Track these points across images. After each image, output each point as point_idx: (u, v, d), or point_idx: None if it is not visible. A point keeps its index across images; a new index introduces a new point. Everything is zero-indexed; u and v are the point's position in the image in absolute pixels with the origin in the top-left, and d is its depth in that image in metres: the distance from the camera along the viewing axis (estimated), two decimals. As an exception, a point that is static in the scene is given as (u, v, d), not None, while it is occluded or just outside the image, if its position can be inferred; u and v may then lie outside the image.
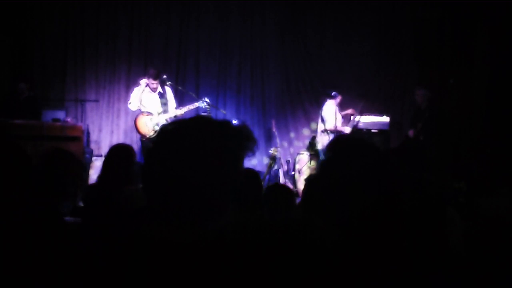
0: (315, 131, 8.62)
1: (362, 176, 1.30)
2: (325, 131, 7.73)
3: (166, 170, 1.17)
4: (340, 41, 9.11)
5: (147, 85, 7.10)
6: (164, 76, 7.44)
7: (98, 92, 8.53)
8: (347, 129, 7.87)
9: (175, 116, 7.08)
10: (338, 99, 7.87)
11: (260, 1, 9.00)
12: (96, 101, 8.40)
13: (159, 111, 7.11)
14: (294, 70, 9.18)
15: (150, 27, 8.69)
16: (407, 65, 9.09)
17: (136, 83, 7.31)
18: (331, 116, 7.71)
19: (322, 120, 7.83)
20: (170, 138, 1.20)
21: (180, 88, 8.15)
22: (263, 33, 9.03)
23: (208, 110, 7.42)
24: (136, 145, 6.95)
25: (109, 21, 8.57)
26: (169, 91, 7.31)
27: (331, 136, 7.70)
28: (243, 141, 1.21)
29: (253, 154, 1.22)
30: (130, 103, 7.15)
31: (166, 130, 1.24)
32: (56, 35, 8.37)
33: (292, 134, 9.17)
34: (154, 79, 7.04)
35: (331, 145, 1.40)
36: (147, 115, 7.06)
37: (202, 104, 7.30)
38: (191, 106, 7.27)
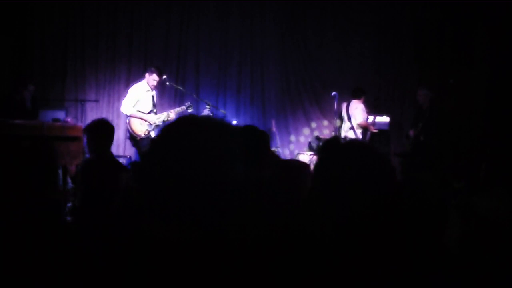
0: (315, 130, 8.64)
1: (361, 177, 1.30)
2: (352, 128, 7.74)
3: (166, 168, 1.16)
4: (340, 41, 9.11)
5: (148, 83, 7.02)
6: (164, 76, 7.43)
7: (98, 92, 8.53)
8: (372, 127, 7.89)
9: (167, 119, 6.99)
10: (363, 98, 7.87)
11: (260, 1, 9.00)
12: (96, 101, 8.40)
13: (151, 110, 7.02)
14: (294, 70, 9.18)
15: (150, 27, 8.69)
16: (407, 65, 9.09)
17: (137, 83, 7.22)
18: (360, 112, 7.72)
19: (349, 118, 7.82)
20: (172, 137, 1.20)
21: (180, 88, 8.14)
22: (263, 33, 9.03)
23: (208, 109, 7.42)
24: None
25: (109, 21, 8.57)
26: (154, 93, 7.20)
27: (359, 132, 7.74)
28: (244, 144, 1.22)
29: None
30: (125, 107, 6.95)
31: (169, 129, 1.23)
32: (56, 35, 8.37)
33: (292, 135, 9.17)
34: (159, 75, 6.99)
35: (324, 146, 1.40)
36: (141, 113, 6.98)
37: (188, 108, 7.26)
38: (174, 111, 7.19)
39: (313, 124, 9.14)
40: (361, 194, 1.28)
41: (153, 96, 7.08)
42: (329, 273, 1.23)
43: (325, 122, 9.09)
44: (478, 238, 2.78)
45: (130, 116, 6.92)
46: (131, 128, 6.95)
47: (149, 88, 7.02)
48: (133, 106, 6.91)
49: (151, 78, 6.95)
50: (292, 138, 9.17)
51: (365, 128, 7.81)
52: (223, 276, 1.13)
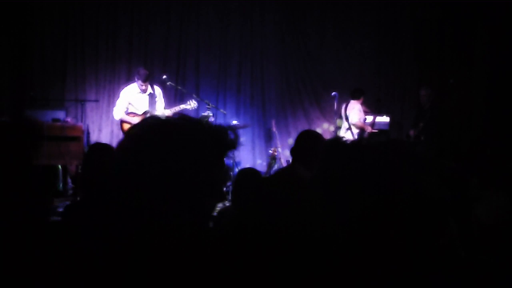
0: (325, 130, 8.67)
1: (361, 176, 1.30)
2: (349, 128, 7.80)
3: (141, 169, 1.15)
4: (340, 41, 9.11)
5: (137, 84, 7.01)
6: (164, 76, 7.43)
7: (98, 92, 8.53)
8: (369, 128, 7.92)
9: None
10: (361, 99, 7.91)
11: (260, 1, 9.01)
12: (96, 101, 8.40)
13: (146, 111, 6.98)
14: (294, 70, 9.18)
15: (150, 27, 8.69)
16: (407, 65, 9.09)
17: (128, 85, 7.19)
18: (356, 112, 7.77)
19: (346, 118, 7.89)
20: (148, 137, 1.19)
21: (180, 88, 8.14)
22: (263, 33, 9.04)
23: (208, 109, 7.42)
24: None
25: (109, 21, 8.57)
26: (158, 92, 7.15)
27: (356, 132, 7.78)
28: (221, 142, 1.20)
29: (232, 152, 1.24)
30: (114, 112, 7.09)
31: (145, 129, 1.22)
32: (56, 35, 8.37)
33: (292, 135, 9.16)
34: (143, 81, 6.93)
35: (327, 146, 1.39)
36: (133, 116, 6.96)
37: (189, 106, 7.23)
38: (177, 108, 7.19)
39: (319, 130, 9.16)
40: (362, 194, 1.28)
41: (150, 96, 7.02)
42: (329, 273, 1.23)
43: (326, 124, 9.10)
44: (477, 238, 2.79)
45: (120, 119, 7.00)
46: (122, 131, 6.99)
47: (140, 90, 6.99)
48: (124, 109, 6.93)
49: (138, 83, 6.96)
50: (292, 138, 9.17)
51: (361, 128, 7.83)
52: (222, 278, 1.13)
